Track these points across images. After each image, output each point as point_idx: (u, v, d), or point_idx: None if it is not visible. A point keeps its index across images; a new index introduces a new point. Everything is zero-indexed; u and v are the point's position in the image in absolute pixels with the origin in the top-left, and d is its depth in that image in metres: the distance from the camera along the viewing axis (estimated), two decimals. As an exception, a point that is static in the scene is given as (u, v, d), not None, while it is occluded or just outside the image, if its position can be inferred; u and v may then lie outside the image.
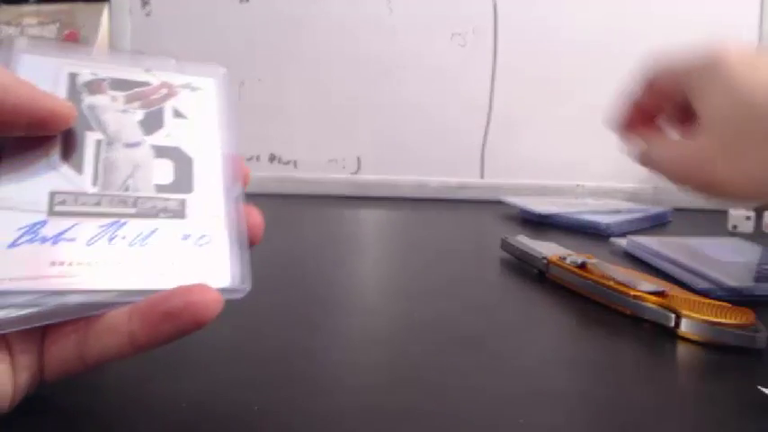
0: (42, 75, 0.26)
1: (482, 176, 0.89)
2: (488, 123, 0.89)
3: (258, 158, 0.90)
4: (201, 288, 0.23)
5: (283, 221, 0.66)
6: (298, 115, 0.89)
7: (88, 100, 0.27)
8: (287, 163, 0.90)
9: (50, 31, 0.81)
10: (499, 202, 0.75)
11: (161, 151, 0.28)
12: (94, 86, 0.28)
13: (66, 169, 0.25)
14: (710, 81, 0.33)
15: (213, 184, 0.28)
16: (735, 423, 0.23)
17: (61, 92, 0.27)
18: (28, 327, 0.22)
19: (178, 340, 0.23)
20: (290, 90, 0.89)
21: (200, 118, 0.30)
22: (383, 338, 0.32)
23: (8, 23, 0.82)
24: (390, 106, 0.88)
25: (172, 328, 0.23)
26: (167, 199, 0.27)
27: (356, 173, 0.90)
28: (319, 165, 0.89)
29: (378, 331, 0.33)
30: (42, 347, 0.24)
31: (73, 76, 0.28)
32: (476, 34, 0.87)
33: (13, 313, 0.22)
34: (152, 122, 0.28)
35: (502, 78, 0.88)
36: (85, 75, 0.28)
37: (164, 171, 0.27)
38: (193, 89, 0.30)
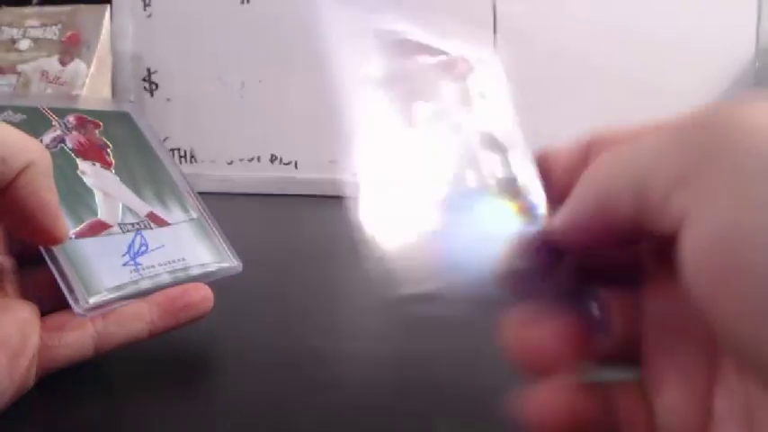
0: (348, 32, 0.22)
1: (482, 177, 0.89)
2: (488, 124, 0.89)
3: (259, 159, 0.90)
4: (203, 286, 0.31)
5: (284, 222, 0.66)
6: (298, 116, 0.89)
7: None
8: (288, 164, 0.90)
9: (53, 32, 0.82)
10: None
11: (483, 135, 0.23)
12: (404, 48, 0.23)
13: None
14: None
15: (535, 185, 0.23)
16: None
17: (368, 54, 0.22)
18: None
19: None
20: (291, 91, 0.89)
21: (499, 102, 0.24)
22: (393, 335, 0.32)
23: (10, 25, 0.83)
24: (391, 107, 0.88)
25: (189, 316, 0.29)
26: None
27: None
28: (320, 165, 0.90)
29: (384, 327, 0.33)
30: (49, 341, 0.26)
31: (379, 35, 0.23)
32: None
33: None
34: (463, 100, 0.23)
35: (502, 79, 0.88)
36: (393, 35, 0.23)
37: (496, 163, 0.23)
38: (485, 64, 0.25)
